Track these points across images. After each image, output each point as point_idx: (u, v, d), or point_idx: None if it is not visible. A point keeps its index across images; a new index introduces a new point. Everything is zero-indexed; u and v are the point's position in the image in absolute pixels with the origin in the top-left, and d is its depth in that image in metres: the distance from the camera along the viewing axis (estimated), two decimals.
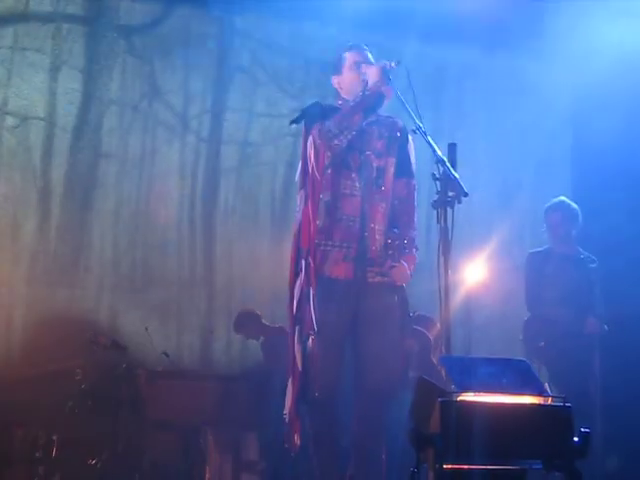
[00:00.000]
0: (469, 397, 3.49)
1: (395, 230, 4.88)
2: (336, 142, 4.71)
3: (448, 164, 4.34)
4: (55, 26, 7.85)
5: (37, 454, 6.45)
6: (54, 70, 7.81)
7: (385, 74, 4.73)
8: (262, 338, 7.44)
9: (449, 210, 4.28)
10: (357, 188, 4.82)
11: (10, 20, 7.79)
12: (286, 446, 4.76)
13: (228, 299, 7.95)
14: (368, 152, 4.89)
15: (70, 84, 7.85)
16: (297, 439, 4.71)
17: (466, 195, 4.29)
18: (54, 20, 7.86)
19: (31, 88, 7.73)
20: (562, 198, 6.98)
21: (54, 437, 6.39)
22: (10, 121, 7.66)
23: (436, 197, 4.32)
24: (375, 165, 4.89)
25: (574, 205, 6.91)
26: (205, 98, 8.23)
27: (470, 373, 3.57)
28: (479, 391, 3.51)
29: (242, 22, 8.38)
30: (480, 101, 8.81)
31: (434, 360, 6.17)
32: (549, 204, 6.98)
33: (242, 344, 7.84)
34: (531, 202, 8.63)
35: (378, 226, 4.83)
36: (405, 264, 4.82)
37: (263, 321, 7.39)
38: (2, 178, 7.57)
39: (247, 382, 6.89)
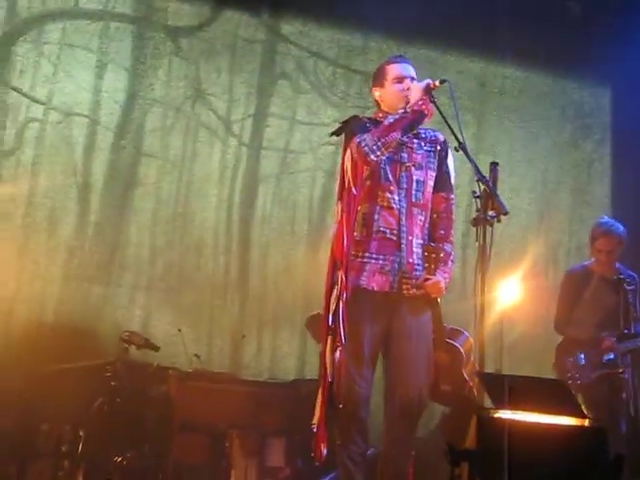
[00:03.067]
0: (506, 414, 3.49)
1: (432, 244, 4.86)
2: (373, 157, 4.68)
3: (490, 182, 4.33)
4: (103, 24, 7.90)
5: (63, 448, 6.46)
6: (100, 68, 7.85)
7: (428, 93, 4.71)
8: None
9: (488, 228, 4.27)
10: (396, 201, 4.80)
11: (59, 16, 7.84)
12: (313, 455, 4.76)
13: (261, 305, 7.94)
14: (409, 164, 4.87)
15: (115, 82, 7.88)
16: (324, 448, 4.71)
17: (506, 213, 4.28)
18: (103, 18, 7.90)
19: (76, 85, 7.76)
20: (613, 221, 6.86)
21: (81, 432, 6.39)
22: (54, 116, 7.69)
23: (475, 215, 4.32)
24: (415, 178, 4.87)
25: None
26: (248, 103, 8.23)
27: (508, 390, 3.56)
28: (516, 409, 3.51)
29: (288, 29, 8.40)
30: (520, 119, 8.79)
31: (465, 374, 6.14)
32: (603, 225, 6.82)
33: (272, 350, 7.85)
34: (567, 222, 8.62)
35: (416, 239, 4.81)
36: (440, 277, 4.80)
37: None
38: (43, 172, 7.59)
39: (276, 388, 6.87)
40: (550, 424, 3.54)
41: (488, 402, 3.96)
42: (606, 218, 6.97)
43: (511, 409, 3.49)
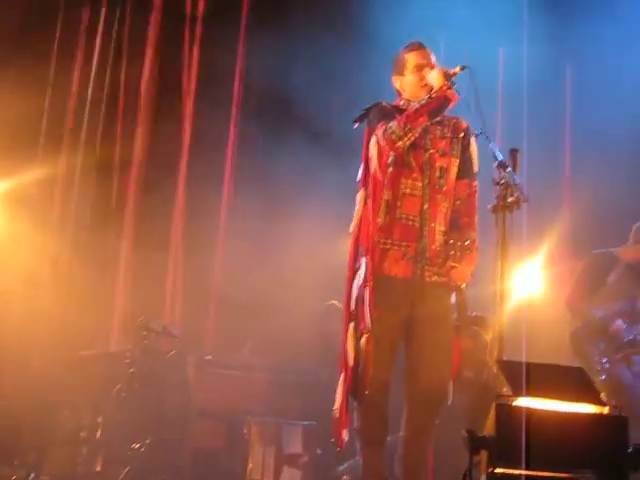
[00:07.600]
0: (525, 402, 3.47)
1: (456, 231, 4.83)
2: (400, 144, 4.66)
3: (510, 169, 4.30)
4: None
5: (82, 435, 6.48)
6: None
7: (449, 79, 4.68)
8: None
9: (508, 215, 4.24)
10: (418, 188, 4.77)
11: None
12: (333, 441, 4.75)
13: (280, 292, 7.93)
14: (432, 151, 4.84)
15: None
16: (345, 435, 4.70)
17: (526, 201, 4.25)
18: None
19: None
20: None
21: (99, 419, 6.41)
22: None
23: (495, 202, 4.29)
24: (438, 164, 4.84)
25: None
26: None
27: (527, 378, 3.53)
28: (535, 396, 3.48)
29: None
30: (541, 105, 8.71)
31: (489, 361, 6.11)
32: None
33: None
34: (589, 207, 8.55)
35: (438, 226, 4.78)
36: (466, 265, 4.77)
37: None
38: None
39: (294, 375, 6.86)
40: (569, 412, 3.51)
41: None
42: None
43: (530, 396, 3.47)
